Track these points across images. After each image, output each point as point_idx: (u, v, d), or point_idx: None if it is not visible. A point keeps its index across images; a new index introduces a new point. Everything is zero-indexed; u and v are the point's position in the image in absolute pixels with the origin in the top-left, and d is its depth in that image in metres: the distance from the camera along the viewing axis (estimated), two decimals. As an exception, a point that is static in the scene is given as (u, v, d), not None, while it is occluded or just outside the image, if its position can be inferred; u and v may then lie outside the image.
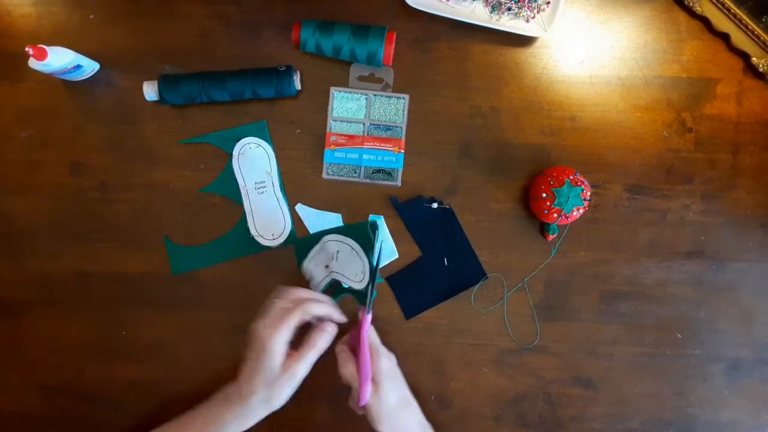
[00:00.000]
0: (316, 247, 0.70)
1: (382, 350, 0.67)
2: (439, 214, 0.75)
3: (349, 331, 0.69)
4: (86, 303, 0.75)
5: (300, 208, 0.75)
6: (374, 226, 0.68)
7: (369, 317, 0.66)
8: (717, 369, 0.76)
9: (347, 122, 0.75)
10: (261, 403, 0.62)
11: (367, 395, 0.62)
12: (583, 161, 0.75)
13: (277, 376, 0.61)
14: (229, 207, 0.75)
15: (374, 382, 0.64)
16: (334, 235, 0.69)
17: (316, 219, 0.75)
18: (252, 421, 0.63)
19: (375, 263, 0.66)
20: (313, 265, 0.71)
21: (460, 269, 0.75)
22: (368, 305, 0.66)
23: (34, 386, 0.76)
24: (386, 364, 0.65)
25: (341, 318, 0.66)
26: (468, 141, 0.75)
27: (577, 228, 0.75)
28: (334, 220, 0.75)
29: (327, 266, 0.70)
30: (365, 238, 0.67)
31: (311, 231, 0.75)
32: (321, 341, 0.64)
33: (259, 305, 0.64)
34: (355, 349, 0.66)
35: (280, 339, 0.61)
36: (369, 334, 0.67)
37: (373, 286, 0.66)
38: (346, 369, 0.64)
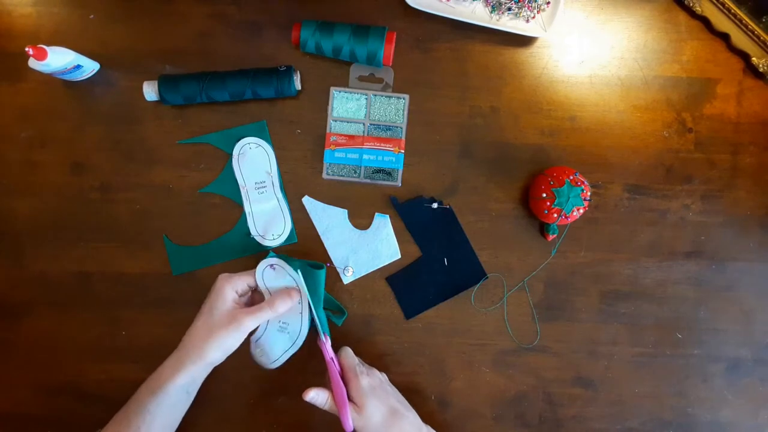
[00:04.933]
0: (302, 281, 0.68)
1: (360, 369, 0.66)
2: (439, 214, 0.75)
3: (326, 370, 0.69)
4: (86, 303, 0.75)
5: (307, 201, 0.75)
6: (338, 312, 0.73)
7: (328, 343, 0.66)
8: (717, 369, 0.76)
9: (347, 122, 0.75)
10: (200, 346, 0.62)
11: (349, 421, 0.63)
12: (583, 161, 0.75)
13: (223, 322, 0.62)
14: (229, 207, 0.75)
15: (356, 403, 0.63)
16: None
17: (322, 213, 0.75)
18: (188, 369, 0.62)
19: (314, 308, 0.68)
20: (274, 277, 0.69)
21: (460, 269, 0.75)
22: (320, 330, 0.67)
23: (34, 386, 0.76)
24: (366, 382, 0.65)
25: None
26: (468, 141, 0.75)
27: (577, 228, 0.75)
28: (340, 214, 0.75)
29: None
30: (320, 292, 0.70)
31: (316, 225, 0.75)
32: (280, 305, 0.64)
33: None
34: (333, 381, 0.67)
35: (233, 285, 0.65)
36: (344, 356, 0.67)
37: (316, 313, 0.67)
38: (321, 399, 0.64)
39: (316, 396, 0.64)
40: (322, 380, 0.69)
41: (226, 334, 0.62)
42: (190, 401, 0.67)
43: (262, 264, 0.68)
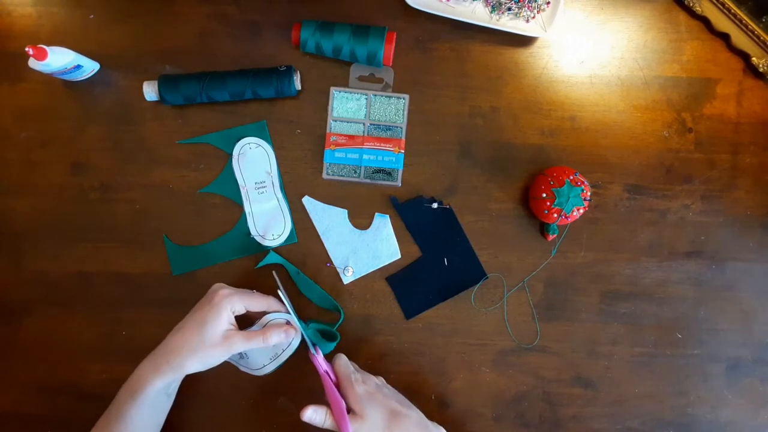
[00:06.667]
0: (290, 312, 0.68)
1: (356, 377, 0.65)
2: (439, 214, 0.75)
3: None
4: (86, 303, 0.75)
5: (307, 201, 0.75)
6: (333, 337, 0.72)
7: (320, 356, 0.66)
8: (717, 369, 0.76)
9: (347, 122, 0.75)
10: (185, 357, 0.62)
11: (349, 431, 0.62)
12: (583, 161, 0.75)
13: (215, 341, 0.62)
14: (229, 207, 0.75)
15: (355, 412, 0.63)
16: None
17: (322, 213, 0.75)
18: (167, 375, 0.62)
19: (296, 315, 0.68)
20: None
21: (460, 269, 0.75)
22: (309, 345, 0.67)
23: (34, 386, 0.76)
24: (362, 389, 0.64)
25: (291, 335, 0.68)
26: (468, 141, 0.75)
27: (577, 228, 0.75)
28: (340, 214, 0.75)
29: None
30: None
31: (316, 225, 0.75)
32: (273, 337, 0.65)
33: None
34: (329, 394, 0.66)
35: (231, 305, 0.64)
36: (338, 365, 0.66)
37: (304, 332, 0.68)
38: (318, 419, 0.63)
39: (314, 415, 0.63)
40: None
41: (214, 352, 0.62)
42: (171, 401, 0.67)
43: (279, 316, 0.68)
